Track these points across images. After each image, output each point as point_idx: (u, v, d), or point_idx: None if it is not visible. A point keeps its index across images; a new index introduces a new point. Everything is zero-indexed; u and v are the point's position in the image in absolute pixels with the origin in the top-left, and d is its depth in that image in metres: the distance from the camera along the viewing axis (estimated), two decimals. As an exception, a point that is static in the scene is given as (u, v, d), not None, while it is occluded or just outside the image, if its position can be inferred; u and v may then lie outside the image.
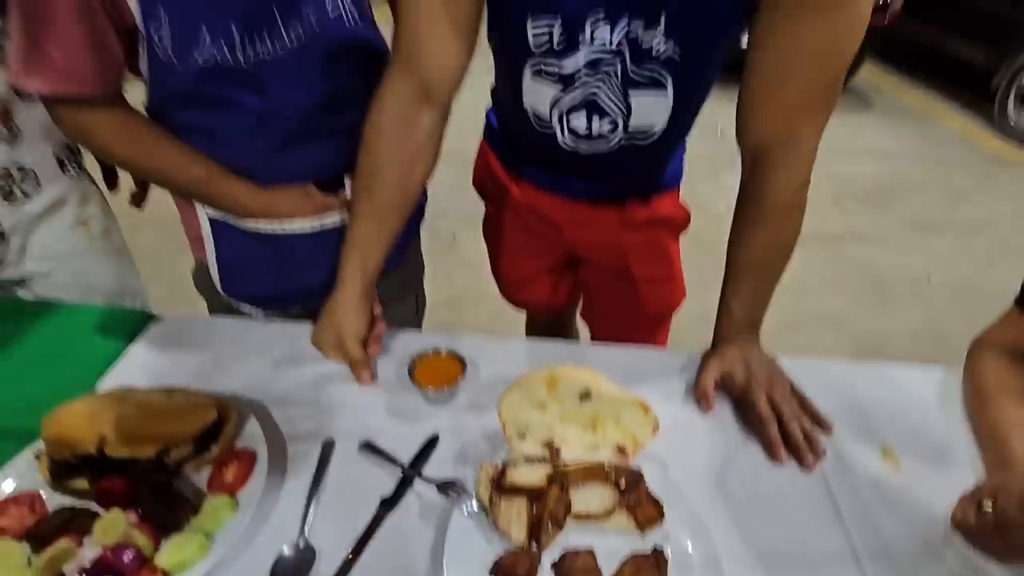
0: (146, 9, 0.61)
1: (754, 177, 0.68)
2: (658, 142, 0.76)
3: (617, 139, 0.75)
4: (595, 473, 0.58)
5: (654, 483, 0.58)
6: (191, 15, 0.62)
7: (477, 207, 1.08)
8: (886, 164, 3.27)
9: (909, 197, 2.98)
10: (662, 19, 0.61)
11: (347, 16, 0.70)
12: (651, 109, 0.70)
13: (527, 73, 0.71)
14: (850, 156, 3.32)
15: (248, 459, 0.59)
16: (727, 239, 0.74)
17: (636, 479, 0.58)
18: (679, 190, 0.95)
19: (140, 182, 0.96)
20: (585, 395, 0.61)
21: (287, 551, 0.53)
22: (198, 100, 0.69)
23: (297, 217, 0.79)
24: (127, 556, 0.50)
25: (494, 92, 0.92)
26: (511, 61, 0.71)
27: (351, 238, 0.72)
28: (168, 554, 0.51)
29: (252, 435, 0.62)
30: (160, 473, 0.56)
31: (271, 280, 0.85)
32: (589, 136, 0.75)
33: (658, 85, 0.67)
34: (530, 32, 0.65)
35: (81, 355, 0.73)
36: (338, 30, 0.70)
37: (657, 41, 0.63)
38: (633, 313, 1.00)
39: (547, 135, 0.77)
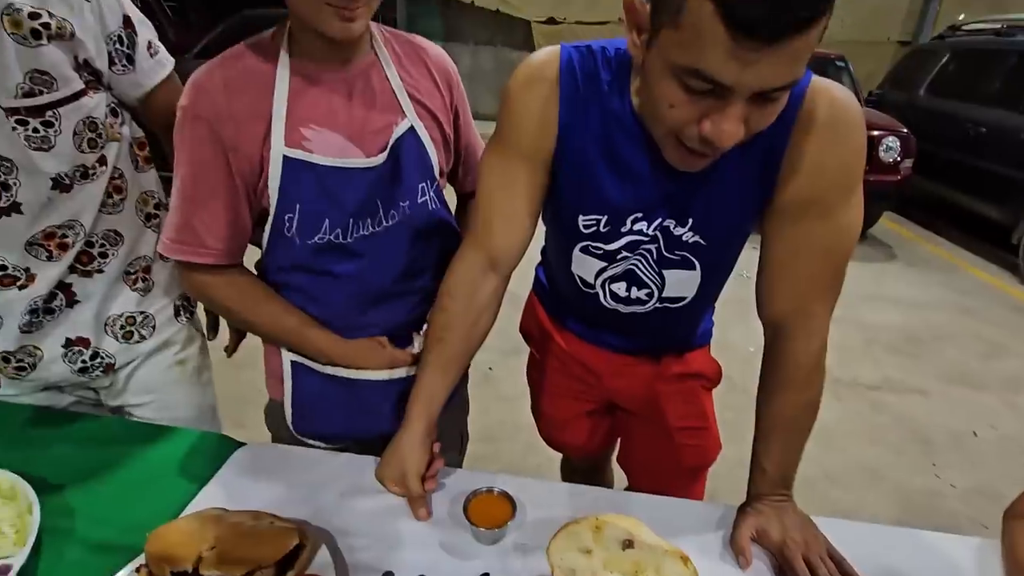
0: (283, 204, 0.79)
1: (775, 346, 0.78)
2: (689, 307, 0.88)
3: (652, 304, 0.87)
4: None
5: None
6: (318, 210, 0.80)
7: (512, 343, 1.19)
8: (915, 313, 3.33)
9: (943, 348, 2.99)
10: (689, 220, 0.76)
11: (431, 202, 0.88)
12: (682, 283, 0.83)
13: (576, 250, 0.86)
14: (878, 304, 3.40)
15: (319, 586, 0.65)
16: (757, 380, 0.81)
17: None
18: (710, 347, 1.05)
19: (236, 333, 1.08)
20: (628, 543, 0.66)
21: None
22: (304, 268, 0.85)
23: (371, 367, 0.91)
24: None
25: (544, 254, 1.07)
26: (563, 240, 0.87)
27: (420, 383, 0.83)
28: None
29: (322, 563, 0.68)
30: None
31: (339, 420, 0.95)
32: (628, 300, 0.88)
33: (688, 265, 0.81)
34: (580, 223, 0.81)
35: (176, 476, 0.83)
36: (422, 212, 0.88)
37: (686, 234, 0.77)
38: (669, 464, 1.05)
39: (591, 295, 0.90)
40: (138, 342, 1.00)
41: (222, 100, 0.74)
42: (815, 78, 0.67)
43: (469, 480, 0.84)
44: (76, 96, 0.79)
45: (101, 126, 0.83)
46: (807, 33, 0.50)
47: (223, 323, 1.05)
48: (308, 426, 0.96)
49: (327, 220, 0.80)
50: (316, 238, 0.81)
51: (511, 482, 0.83)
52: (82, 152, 0.82)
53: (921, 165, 4.23)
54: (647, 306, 0.87)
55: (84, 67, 0.80)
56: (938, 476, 2.09)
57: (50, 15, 0.74)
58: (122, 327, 0.97)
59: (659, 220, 0.77)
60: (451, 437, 1.11)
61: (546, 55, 0.74)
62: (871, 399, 2.51)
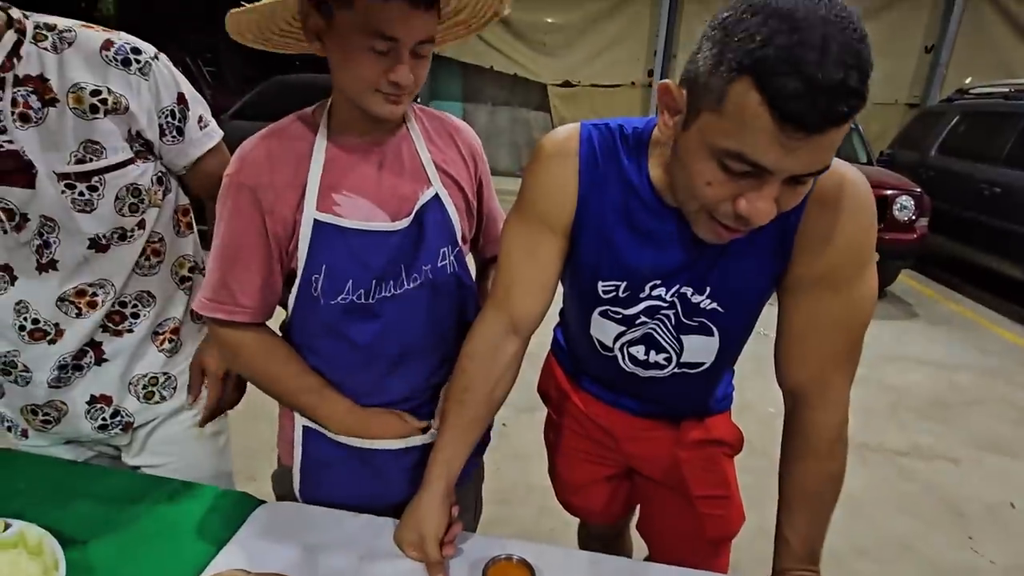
0: (310, 265, 0.83)
1: (795, 416, 0.78)
2: (708, 372, 0.88)
3: (671, 369, 0.88)
4: None
5: None
6: (343, 270, 0.83)
7: (527, 400, 1.18)
8: (941, 375, 3.24)
9: (972, 412, 2.89)
10: (707, 288, 0.78)
11: (451, 265, 0.91)
12: (701, 349, 0.84)
13: (595, 314, 0.88)
14: (902, 364, 3.33)
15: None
16: (778, 443, 0.80)
17: None
18: (730, 412, 1.05)
19: (217, 398, 1.06)
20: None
21: None
22: (327, 328, 0.87)
23: (386, 436, 0.90)
24: None
25: (562, 316, 1.09)
26: (582, 304, 0.89)
27: (440, 445, 0.83)
28: None
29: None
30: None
31: (347, 488, 0.94)
32: (647, 364, 0.89)
33: (707, 331, 0.82)
34: (600, 288, 0.83)
35: (197, 534, 0.83)
36: (443, 275, 0.91)
37: (704, 301, 0.79)
38: (691, 534, 1.03)
39: (609, 358, 0.91)
40: (158, 402, 1.00)
41: (265, 170, 0.80)
42: None
43: (486, 546, 0.83)
44: (124, 164, 0.84)
45: (144, 192, 0.88)
46: (846, 124, 0.54)
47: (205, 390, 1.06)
48: (315, 492, 0.95)
49: (351, 280, 0.84)
50: (340, 298, 0.84)
51: (529, 548, 0.82)
52: (122, 215, 0.87)
53: (937, 224, 4.23)
54: (666, 371, 0.88)
55: (136, 138, 0.86)
56: (975, 551, 1.99)
57: (109, 91, 0.81)
58: (144, 387, 0.99)
59: (677, 287, 0.79)
60: (467, 501, 1.10)
61: (567, 132, 0.79)
62: (899, 465, 2.42)
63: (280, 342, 0.90)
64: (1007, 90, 4.69)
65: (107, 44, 0.81)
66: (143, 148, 0.88)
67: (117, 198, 0.85)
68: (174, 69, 0.90)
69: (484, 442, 1.07)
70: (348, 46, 0.73)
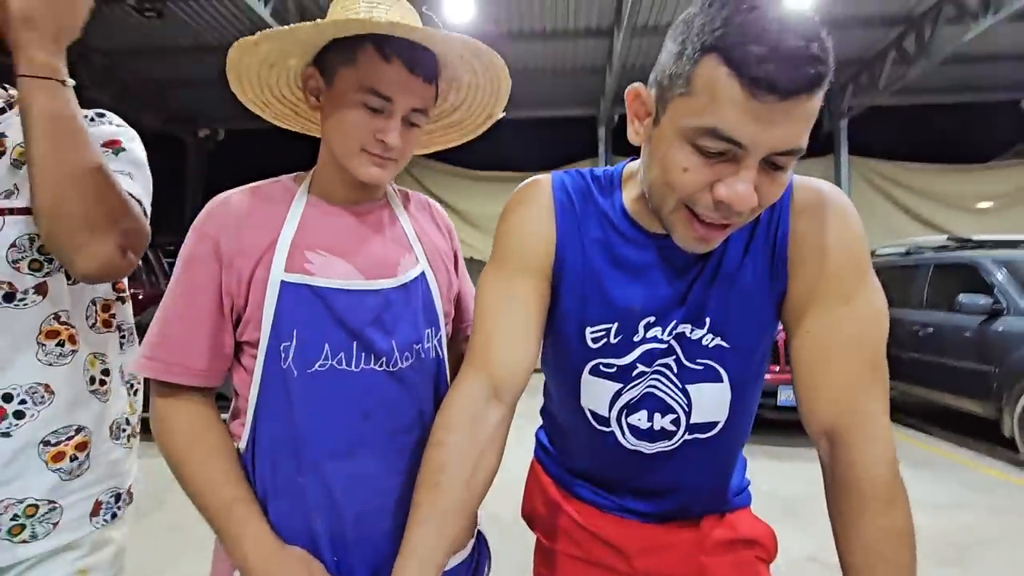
0: (277, 332, 0.71)
1: (836, 463, 0.65)
2: (722, 437, 0.76)
3: (681, 435, 0.75)
4: None
5: None
6: (317, 334, 0.72)
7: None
8: (943, 516, 3.03)
9: (986, 553, 2.65)
10: (707, 320, 0.70)
11: (434, 349, 0.82)
12: (711, 401, 0.73)
13: (586, 373, 0.77)
14: (899, 508, 3.11)
15: None
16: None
17: None
18: (751, 510, 0.89)
19: None
20: None
21: None
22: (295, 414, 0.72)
23: None
24: None
25: (544, 411, 0.96)
26: (570, 366, 0.78)
27: (409, 546, 0.64)
28: None
29: None
30: None
31: None
32: (651, 435, 0.76)
33: (714, 376, 0.72)
34: (588, 336, 0.74)
35: None
36: (427, 357, 0.80)
37: (706, 337, 0.70)
38: None
39: (607, 437, 0.78)
40: (25, 542, 0.74)
41: (232, 223, 0.74)
42: (795, 175, 0.70)
43: None
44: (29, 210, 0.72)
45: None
46: (814, 94, 0.54)
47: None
48: None
49: (327, 344, 0.72)
50: (318, 366, 0.71)
51: None
52: (15, 268, 0.73)
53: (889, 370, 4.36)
54: (675, 439, 0.75)
55: None
56: None
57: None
58: (13, 518, 0.73)
59: (674, 323, 0.71)
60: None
61: (538, 180, 0.78)
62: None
63: (215, 424, 0.74)
64: (904, 250, 5.36)
65: None
66: None
67: (13, 245, 0.73)
68: (121, 126, 0.86)
69: (477, 559, 0.86)
70: (343, 103, 0.72)
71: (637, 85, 0.65)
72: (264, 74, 0.78)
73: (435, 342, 0.82)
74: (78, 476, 0.79)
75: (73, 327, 0.80)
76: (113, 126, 0.87)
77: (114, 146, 0.84)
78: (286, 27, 0.69)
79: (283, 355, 0.71)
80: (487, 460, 0.70)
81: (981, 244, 4.87)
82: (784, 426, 4.28)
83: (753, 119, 0.53)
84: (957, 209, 8.38)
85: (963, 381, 4.22)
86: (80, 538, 0.80)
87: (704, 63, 0.55)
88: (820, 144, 8.22)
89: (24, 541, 0.74)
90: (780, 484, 3.33)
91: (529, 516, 0.98)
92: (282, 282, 0.72)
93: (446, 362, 0.85)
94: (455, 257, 0.92)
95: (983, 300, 4.07)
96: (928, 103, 8.41)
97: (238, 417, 0.76)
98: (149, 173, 0.88)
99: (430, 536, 0.64)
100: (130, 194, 0.78)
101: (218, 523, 0.70)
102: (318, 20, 0.68)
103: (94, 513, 0.81)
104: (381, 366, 0.75)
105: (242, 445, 0.74)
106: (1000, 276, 4.14)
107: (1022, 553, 2.63)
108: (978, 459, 4.03)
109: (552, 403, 0.91)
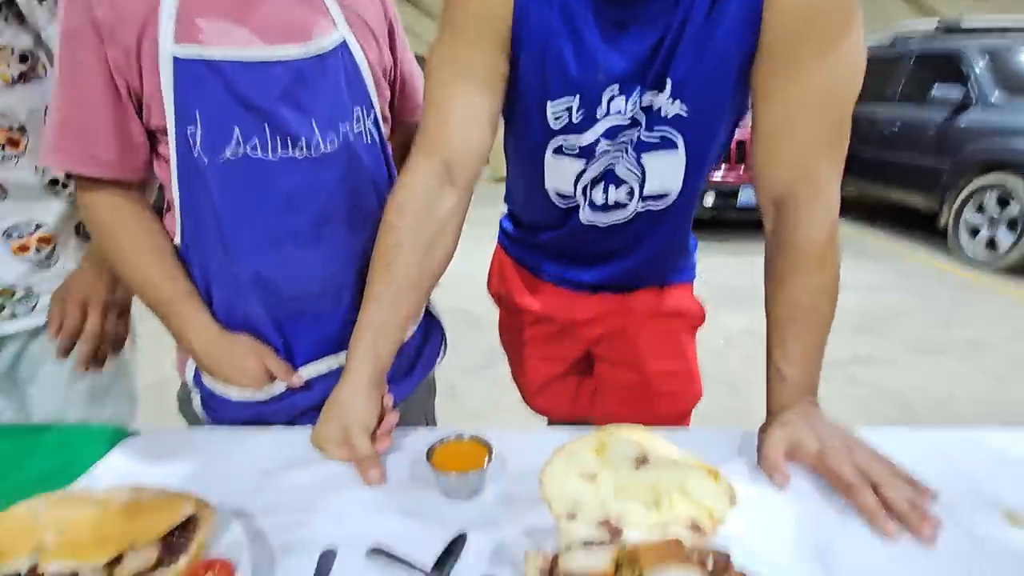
0: (181, 115, 0.63)
1: (781, 224, 0.67)
2: (673, 210, 0.76)
3: (634, 206, 0.75)
4: (673, 553, 0.46)
5: (745, 566, 0.46)
6: (224, 115, 0.64)
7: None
8: (870, 296, 3.37)
9: (903, 322, 3.01)
10: (668, 83, 0.65)
11: (368, 134, 0.74)
12: (664, 170, 0.72)
13: (549, 153, 0.73)
14: (834, 291, 3.43)
15: (227, 571, 0.46)
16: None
17: (725, 560, 0.45)
18: (692, 287, 0.94)
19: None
20: (642, 460, 0.51)
21: None
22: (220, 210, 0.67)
23: (239, 384, 0.72)
24: None
25: (509, 194, 0.95)
26: (531, 145, 0.74)
27: (363, 322, 0.66)
28: None
29: (233, 543, 0.49)
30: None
31: (255, 407, 0.76)
32: (606, 207, 0.75)
33: (669, 145, 0.70)
34: (550, 113, 0.69)
35: (44, 475, 0.62)
36: (360, 144, 0.73)
37: (667, 103, 0.66)
38: (648, 413, 0.92)
39: (570, 213, 0.78)
40: (6, 319, 0.82)
41: None
42: None
43: (432, 438, 0.66)
44: None
45: None
46: None
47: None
48: (219, 415, 0.77)
49: (237, 128, 0.65)
50: (229, 153, 0.65)
51: (489, 434, 0.66)
52: None
53: (848, 167, 4.42)
54: (628, 209, 0.75)
55: None
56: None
57: None
58: None
59: (636, 91, 0.66)
60: (414, 419, 0.93)
61: None
62: (846, 375, 2.46)
63: (148, 219, 0.71)
64: (889, 41, 5.02)
65: None
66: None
67: None
68: None
69: (432, 348, 0.91)
70: None
71: None
72: None
73: (368, 124, 0.74)
74: (48, 267, 0.84)
75: (25, 132, 0.78)
76: None
77: None
78: None
79: (191, 141, 0.64)
80: (442, 244, 0.69)
81: (969, 32, 4.59)
82: (742, 226, 4.46)
83: None
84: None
85: (915, 177, 4.37)
86: None
87: None
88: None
89: (4, 319, 0.83)
90: (728, 275, 3.59)
91: (496, 294, 1.02)
92: (174, 58, 0.62)
93: (387, 147, 0.78)
94: (391, 30, 0.79)
95: (955, 92, 3.99)
96: None
97: (169, 211, 0.72)
98: None
99: (384, 315, 0.66)
100: None
101: (162, 319, 0.71)
102: None
103: None
104: (301, 153, 0.68)
105: (178, 240, 0.71)
106: (980, 66, 4.00)
107: (932, 324, 3.00)
108: (912, 249, 4.36)
109: (517, 186, 0.88)
